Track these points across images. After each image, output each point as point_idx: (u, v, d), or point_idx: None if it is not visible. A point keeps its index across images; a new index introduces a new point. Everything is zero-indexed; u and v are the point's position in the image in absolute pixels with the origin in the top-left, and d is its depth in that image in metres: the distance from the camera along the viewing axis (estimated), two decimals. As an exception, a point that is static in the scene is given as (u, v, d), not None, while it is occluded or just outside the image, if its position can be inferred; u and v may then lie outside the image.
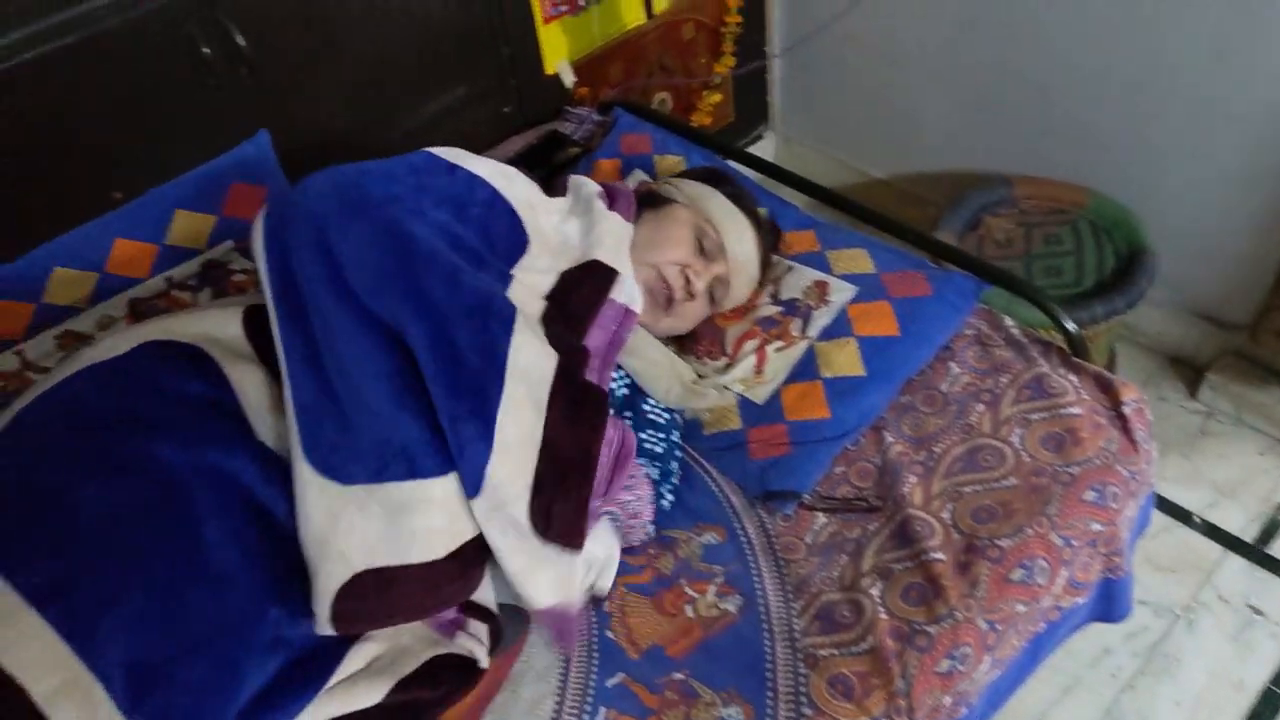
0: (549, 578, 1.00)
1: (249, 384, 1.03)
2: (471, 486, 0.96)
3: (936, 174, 2.22)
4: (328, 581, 0.93)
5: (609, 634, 1.13)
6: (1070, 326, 1.36)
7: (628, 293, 1.22)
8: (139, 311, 1.36)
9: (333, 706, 0.95)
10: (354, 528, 0.94)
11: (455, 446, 0.96)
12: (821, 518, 1.23)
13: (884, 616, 1.11)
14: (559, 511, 0.98)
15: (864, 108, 2.29)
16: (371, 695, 0.96)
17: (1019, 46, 1.91)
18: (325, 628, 0.94)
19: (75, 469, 0.91)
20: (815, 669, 1.08)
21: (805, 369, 1.33)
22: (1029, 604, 1.14)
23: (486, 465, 0.96)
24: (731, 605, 1.16)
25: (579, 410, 1.03)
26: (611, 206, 1.30)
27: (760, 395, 1.33)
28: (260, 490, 0.98)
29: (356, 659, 0.98)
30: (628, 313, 1.21)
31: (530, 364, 1.01)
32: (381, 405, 0.97)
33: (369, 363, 0.98)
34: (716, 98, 2.28)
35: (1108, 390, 1.30)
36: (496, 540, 0.97)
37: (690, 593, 1.18)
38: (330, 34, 1.58)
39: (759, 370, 1.35)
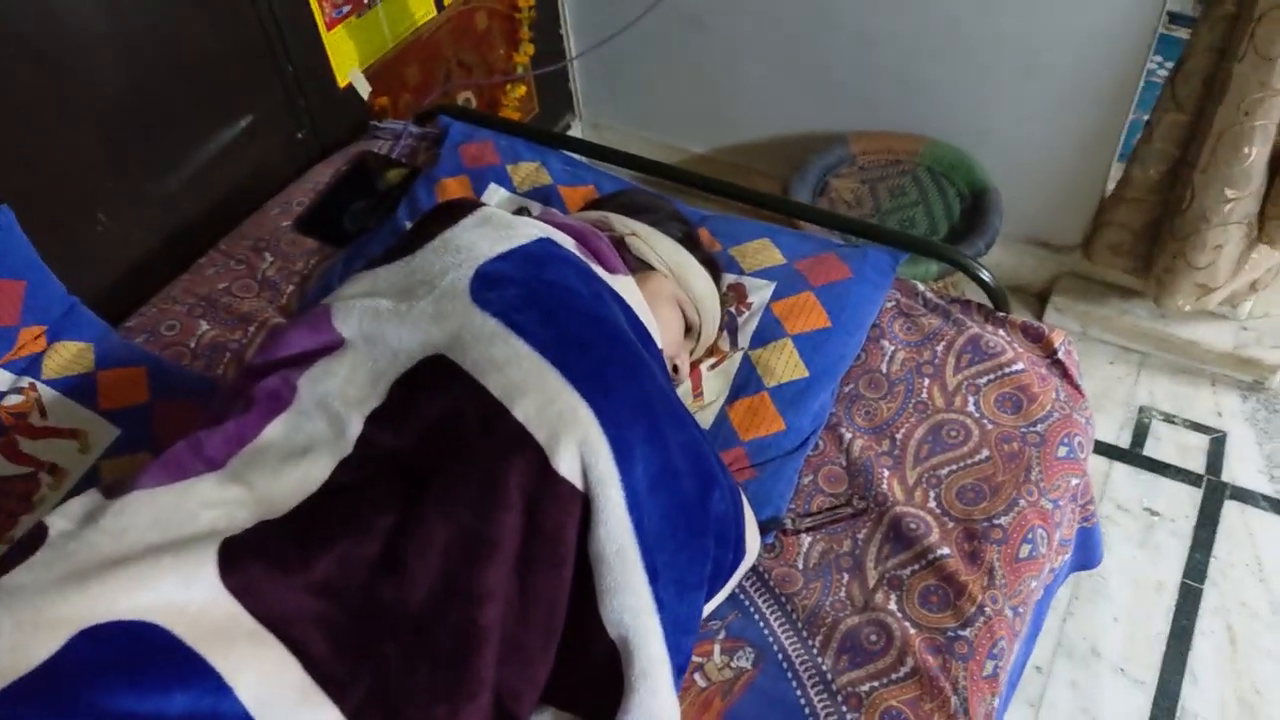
0: None
1: (262, 684, 0.76)
2: None
3: (763, 141, 2.17)
4: None
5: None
6: (988, 278, 1.33)
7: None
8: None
9: None
10: None
11: None
12: (806, 538, 1.13)
13: (913, 631, 1.02)
14: None
15: (675, 82, 2.19)
16: None
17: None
18: None
19: None
20: (862, 709, 0.98)
21: (747, 382, 1.22)
22: (1038, 576, 1.09)
23: None
24: (745, 661, 1.03)
25: None
26: (600, 261, 1.10)
27: (706, 419, 1.20)
28: None
29: None
30: None
31: None
32: None
33: None
34: (520, 90, 2.10)
35: (1039, 339, 1.29)
36: None
37: (694, 658, 1.04)
38: (64, 70, 1.27)
39: (697, 393, 1.22)
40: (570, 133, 2.39)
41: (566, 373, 0.85)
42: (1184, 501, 1.72)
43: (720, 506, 0.94)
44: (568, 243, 1.09)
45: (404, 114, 1.84)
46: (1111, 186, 1.85)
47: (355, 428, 0.90)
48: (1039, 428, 1.18)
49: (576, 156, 1.54)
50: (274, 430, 0.92)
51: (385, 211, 1.53)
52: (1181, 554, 1.65)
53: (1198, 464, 1.77)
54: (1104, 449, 1.81)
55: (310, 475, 0.88)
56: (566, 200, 1.44)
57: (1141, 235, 1.84)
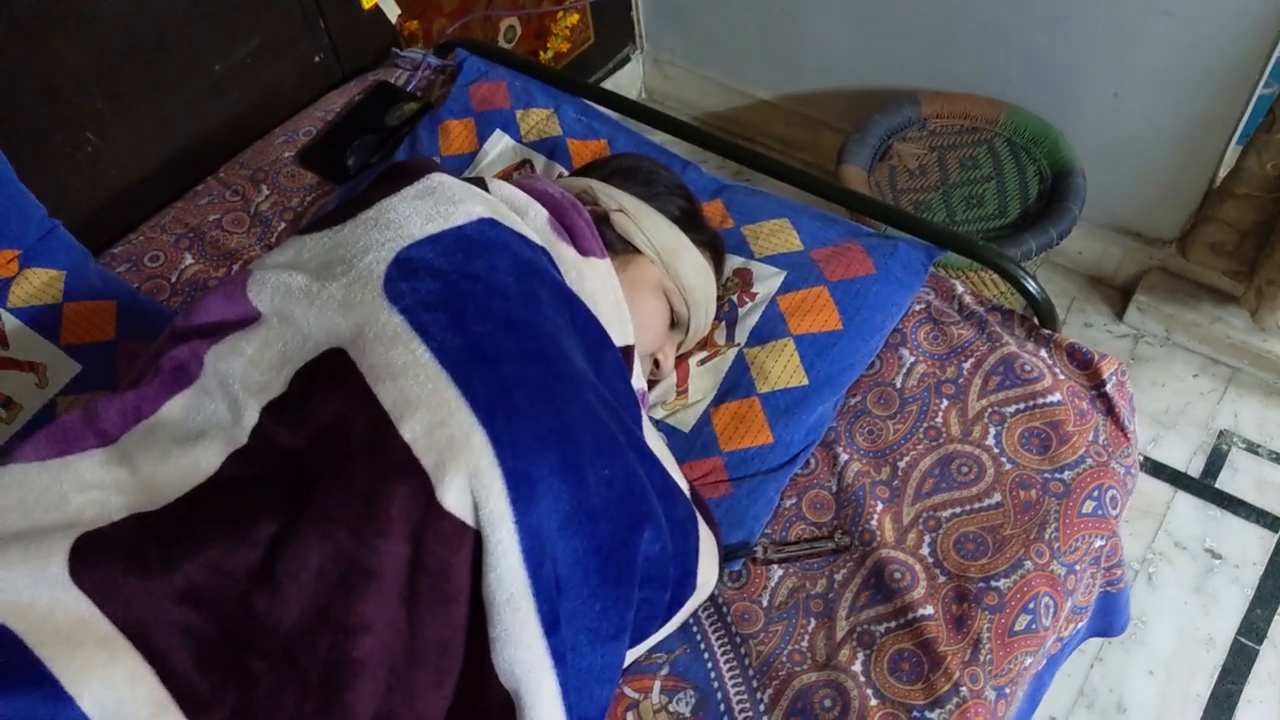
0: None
1: (110, 694, 0.69)
2: None
3: (831, 92, 1.97)
4: None
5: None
6: (1034, 290, 1.16)
7: (638, 378, 0.98)
8: None
9: None
10: None
11: None
12: (778, 570, 1.01)
13: (874, 703, 0.90)
14: None
15: (744, 19, 1.99)
16: None
17: (917, -59, 1.66)
18: None
19: None
20: (801, 784, 0.87)
21: (737, 383, 1.08)
22: (1035, 653, 0.95)
23: None
24: (684, 706, 0.92)
25: None
26: (573, 240, 0.97)
27: (686, 420, 1.08)
28: None
29: None
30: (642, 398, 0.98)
31: None
32: None
33: None
34: (573, 18, 1.95)
35: (1085, 366, 1.11)
36: None
37: (630, 693, 0.94)
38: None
39: (681, 389, 1.09)
40: (629, 67, 2.22)
41: (466, 390, 0.74)
42: (1253, 546, 1.52)
43: (653, 548, 0.82)
44: (538, 217, 0.96)
45: (436, 40, 1.72)
46: (1222, 176, 1.61)
47: (251, 417, 0.81)
48: (1065, 475, 1.01)
49: (596, 106, 1.39)
50: (173, 407, 0.84)
51: (389, 149, 1.42)
52: (1241, 606, 1.46)
53: (1276, 504, 1.56)
54: (1169, 475, 1.62)
55: (199, 464, 0.80)
56: (574, 156, 1.30)
57: (1248, 236, 1.60)
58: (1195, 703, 1.37)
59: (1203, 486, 1.60)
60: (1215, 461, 1.63)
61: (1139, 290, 1.78)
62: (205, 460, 0.80)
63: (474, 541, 0.73)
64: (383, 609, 0.74)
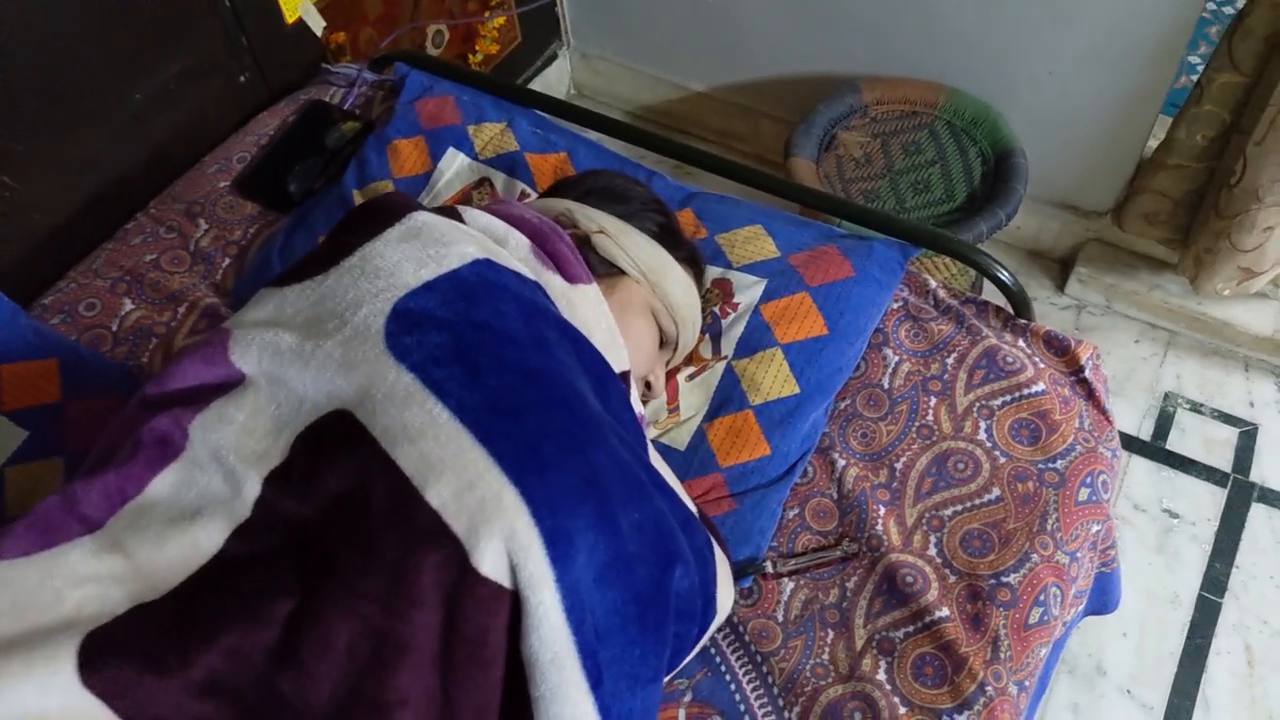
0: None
1: None
2: None
3: (769, 81, 1.96)
4: None
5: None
6: (1008, 280, 1.17)
7: (636, 403, 0.94)
8: None
9: None
10: None
11: None
12: (789, 583, 1.00)
13: (903, 710, 0.90)
14: None
15: (674, 10, 1.96)
16: None
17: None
18: None
19: None
20: (841, 800, 0.87)
21: (729, 397, 1.07)
22: (1048, 643, 0.97)
23: None
24: (713, 732, 0.92)
25: None
26: (559, 268, 0.93)
27: (681, 439, 1.06)
28: None
29: None
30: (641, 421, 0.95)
31: None
32: None
33: None
34: (499, 20, 1.89)
35: (1063, 353, 1.13)
36: None
37: (657, 725, 0.92)
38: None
39: (672, 407, 1.08)
40: (557, 65, 2.18)
41: (492, 449, 0.71)
42: (1207, 503, 1.59)
43: (683, 584, 0.80)
44: (520, 246, 0.93)
45: (365, 52, 1.65)
46: (1153, 148, 1.67)
47: (253, 489, 0.76)
48: (1058, 464, 1.03)
49: (549, 117, 1.35)
50: (161, 484, 0.78)
51: (333, 173, 1.36)
52: (1201, 562, 1.53)
53: (1224, 460, 1.63)
54: (1124, 440, 1.67)
55: (199, 544, 0.75)
56: (534, 171, 1.27)
57: (1181, 205, 1.66)
58: (1170, 659, 1.43)
59: (1155, 449, 1.66)
60: (1164, 424, 1.69)
61: (1079, 262, 1.83)
62: (206, 539, 0.75)
63: (511, 602, 0.71)
64: (418, 680, 0.71)
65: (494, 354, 0.76)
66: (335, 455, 0.74)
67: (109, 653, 0.68)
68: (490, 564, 0.69)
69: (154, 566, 0.74)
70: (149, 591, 0.73)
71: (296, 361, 0.78)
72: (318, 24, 1.54)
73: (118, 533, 0.76)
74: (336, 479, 0.73)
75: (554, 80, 2.19)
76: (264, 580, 0.73)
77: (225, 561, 0.75)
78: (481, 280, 0.81)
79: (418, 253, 0.83)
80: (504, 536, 0.69)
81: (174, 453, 0.79)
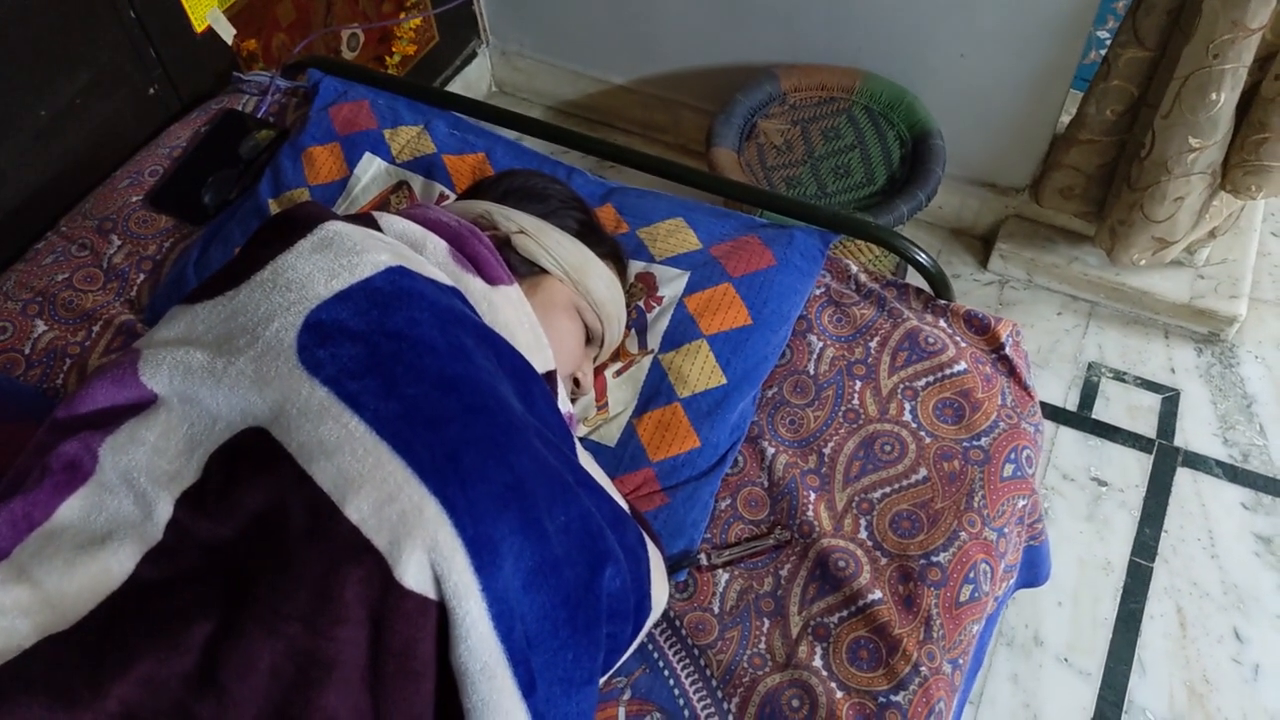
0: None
1: None
2: None
3: (688, 72, 1.97)
4: None
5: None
6: (927, 262, 1.19)
7: (563, 402, 0.94)
8: None
9: None
10: None
11: None
12: (724, 574, 1.01)
13: (840, 695, 0.91)
14: None
15: (591, 4, 1.96)
16: None
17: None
18: None
19: None
20: (782, 787, 0.88)
21: (657, 391, 1.07)
22: (980, 620, 0.99)
23: None
24: (654, 728, 0.92)
25: None
26: (479, 270, 0.92)
27: (611, 434, 1.06)
28: None
29: None
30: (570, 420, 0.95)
31: None
32: None
33: None
34: (416, 21, 1.87)
35: (983, 331, 1.15)
36: None
37: (597, 724, 0.92)
38: None
39: (601, 403, 1.07)
40: (476, 63, 2.15)
41: (411, 460, 0.70)
42: (1133, 469, 1.63)
43: (615, 583, 0.80)
44: (438, 250, 0.92)
45: (279, 58, 1.62)
46: (1065, 124, 1.70)
47: (164, 511, 0.74)
48: (982, 442, 1.05)
49: (465, 118, 1.34)
50: (69, 510, 0.76)
51: (248, 183, 1.33)
52: (1131, 528, 1.57)
53: (1149, 427, 1.68)
54: (1049, 411, 1.71)
55: (110, 570, 0.73)
56: (453, 172, 1.25)
57: (1094, 179, 1.70)
58: (1104, 626, 1.47)
59: (1081, 419, 1.70)
60: (1089, 393, 1.73)
61: (999, 238, 1.87)
62: (116, 564, 0.73)
63: (438, 614, 0.70)
64: (346, 698, 0.70)
65: (410, 363, 0.75)
66: (251, 474, 0.73)
67: (16, 690, 0.66)
68: (414, 576, 0.68)
69: (63, 595, 0.72)
70: (58, 621, 0.71)
71: (209, 380, 0.76)
72: (228, 32, 1.51)
73: (24, 561, 0.74)
74: (253, 498, 0.72)
75: (475, 79, 2.17)
76: (179, 604, 0.72)
77: (138, 586, 0.73)
78: (395, 288, 0.80)
79: (329, 263, 0.81)
80: (426, 548, 0.68)
81: (83, 476, 0.77)
